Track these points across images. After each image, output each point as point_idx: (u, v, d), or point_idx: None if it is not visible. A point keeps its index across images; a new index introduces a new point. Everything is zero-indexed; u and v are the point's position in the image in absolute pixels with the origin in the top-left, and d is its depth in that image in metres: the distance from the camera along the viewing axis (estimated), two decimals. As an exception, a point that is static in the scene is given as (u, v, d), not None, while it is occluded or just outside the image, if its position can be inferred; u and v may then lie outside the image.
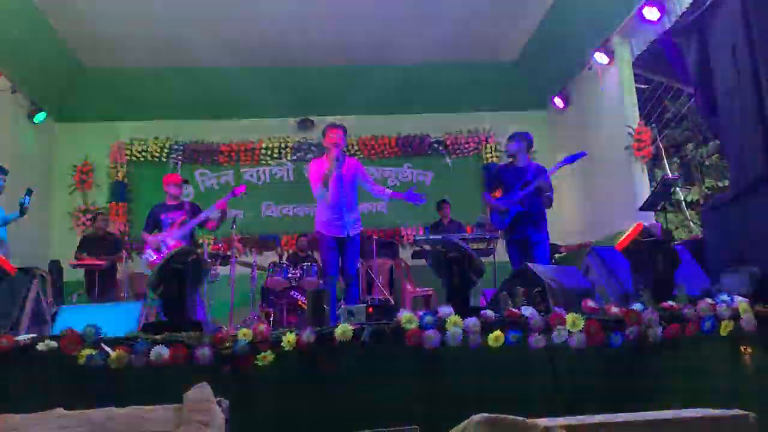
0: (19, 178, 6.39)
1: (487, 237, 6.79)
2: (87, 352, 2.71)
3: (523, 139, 5.67)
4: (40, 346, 2.78)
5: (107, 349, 2.73)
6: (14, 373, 2.75)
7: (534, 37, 7.99)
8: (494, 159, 9.32)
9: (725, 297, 3.15)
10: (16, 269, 3.45)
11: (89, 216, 8.59)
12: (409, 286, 7.24)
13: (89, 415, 1.67)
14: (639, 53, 7.28)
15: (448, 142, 9.36)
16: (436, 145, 9.36)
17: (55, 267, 7.50)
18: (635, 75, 7.59)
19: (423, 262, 7.31)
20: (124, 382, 2.69)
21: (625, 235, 3.54)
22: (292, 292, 6.64)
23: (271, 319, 6.43)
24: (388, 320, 2.96)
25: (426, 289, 7.23)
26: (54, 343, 2.78)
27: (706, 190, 11.92)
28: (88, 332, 2.80)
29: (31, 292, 3.77)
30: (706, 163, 12.74)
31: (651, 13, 6.32)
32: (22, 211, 5.62)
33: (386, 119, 9.18)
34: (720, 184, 12.19)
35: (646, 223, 6.62)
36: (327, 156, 5.17)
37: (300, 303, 6.57)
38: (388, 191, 5.50)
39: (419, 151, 9.33)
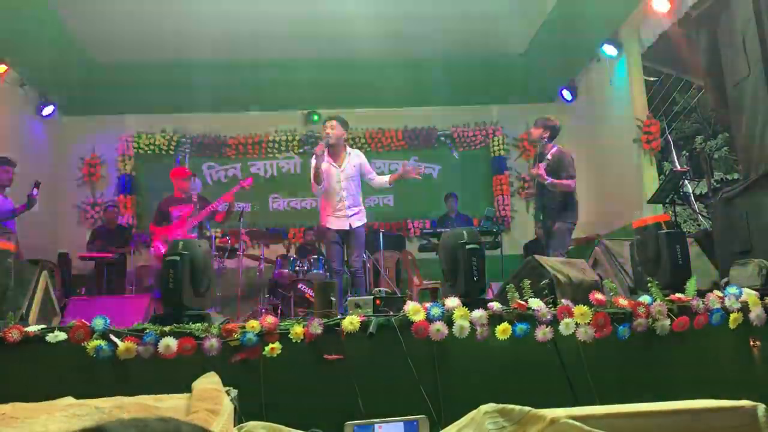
0: (27, 171, 6.42)
1: (495, 230, 6.78)
2: (96, 343, 2.73)
3: (545, 125, 5.49)
4: (50, 337, 2.80)
5: (116, 340, 2.75)
6: (24, 364, 2.77)
7: (542, 29, 7.94)
8: (501, 152, 9.29)
9: (734, 289, 3.14)
10: (14, 247, 3.42)
11: (97, 209, 8.63)
12: (415, 279, 7.24)
13: (98, 404, 1.68)
14: (648, 45, 7.22)
15: (456, 135, 9.33)
16: (443, 138, 9.33)
17: (64, 259, 7.56)
18: (644, 67, 7.54)
19: (430, 255, 7.32)
20: (133, 373, 2.71)
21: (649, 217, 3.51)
22: (299, 285, 6.65)
23: (279, 311, 6.45)
24: (396, 312, 2.96)
25: (433, 281, 7.22)
26: (63, 334, 2.80)
27: (714, 183, 11.87)
28: (97, 323, 2.82)
29: (40, 283, 3.80)
30: (715, 155, 12.69)
31: (660, 5, 6.27)
32: (30, 202, 5.65)
33: (393, 112, 9.16)
34: (729, 177, 12.15)
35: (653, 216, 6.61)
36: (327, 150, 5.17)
37: (307, 295, 6.58)
38: (386, 178, 5.46)
39: (426, 144, 9.31)
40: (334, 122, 5.17)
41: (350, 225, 5.17)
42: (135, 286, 7.12)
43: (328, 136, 5.11)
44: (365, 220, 5.36)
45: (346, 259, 5.31)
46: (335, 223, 5.16)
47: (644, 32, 7.12)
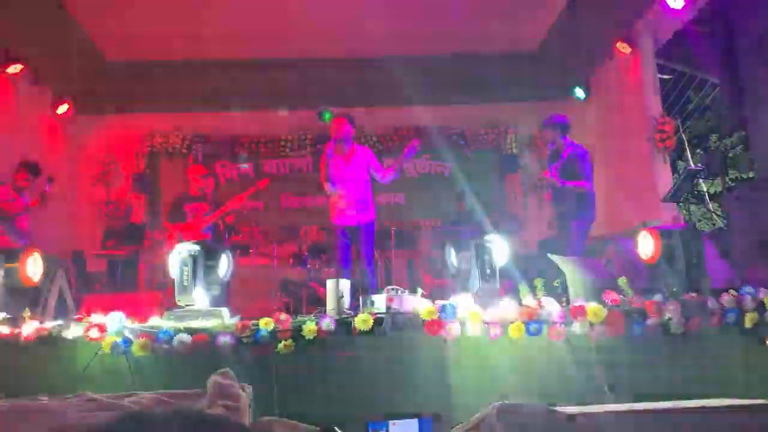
0: (42, 170, 6.47)
1: (507, 229, 6.76)
2: (111, 339, 2.76)
3: (553, 124, 5.49)
4: (66, 333, 2.83)
5: (131, 336, 2.77)
6: (41, 359, 2.81)
7: (555, 27, 7.88)
8: (514, 151, 9.25)
9: (750, 289, 3.12)
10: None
11: (111, 207, 8.70)
12: (427, 278, 7.23)
13: (115, 399, 1.70)
14: (663, 43, 7.15)
15: (467, 134, 9.29)
16: (455, 137, 9.29)
17: (79, 257, 7.61)
18: (658, 65, 7.47)
19: (441, 253, 7.30)
20: (148, 369, 2.73)
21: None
22: (311, 283, 6.67)
23: (291, 309, 6.47)
24: (408, 310, 2.96)
25: (444, 280, 7.21)
26: (79, 331, 2.83)
27: (729, 182, 11.76)
28: (113, 320, 2.85)
29: (57, 281, 3.84)
30: (730, 154, 12.57)
31: (675, 2, 6.20)
32: (43, 197, 5.69)
33: (405, 110, 9.13)
34: (744, 176, 12.03)
35: (669, 215, 6.55)
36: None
37: (319, 293, 6.60)
38: (390, 170, 5.44)
39: (438, 142, 9.27)
40: (341, 119, 5.19)
41: (359, 221, 5.18)
42: (148, 282, 7.16)
43: (339, 134, 5.12)
44: (374, 217, 5.36)
45: (355, 256, 5.32)
46: (344, 220, 5.18)
47: (659, 30, 7.06)
